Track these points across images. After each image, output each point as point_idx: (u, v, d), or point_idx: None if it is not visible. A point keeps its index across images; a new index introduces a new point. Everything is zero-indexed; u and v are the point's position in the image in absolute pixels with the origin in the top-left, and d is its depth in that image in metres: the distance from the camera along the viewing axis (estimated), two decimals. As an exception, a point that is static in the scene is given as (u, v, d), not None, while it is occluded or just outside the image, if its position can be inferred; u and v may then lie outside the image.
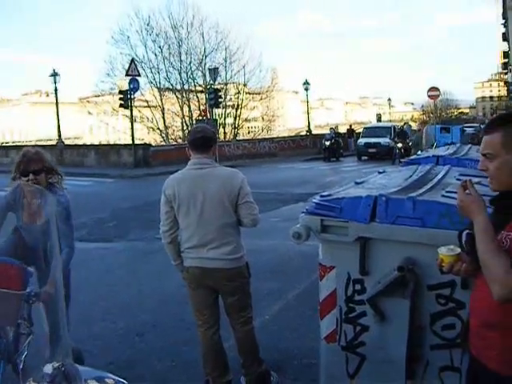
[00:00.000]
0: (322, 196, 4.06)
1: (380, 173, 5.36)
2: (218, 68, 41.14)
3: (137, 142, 35.01)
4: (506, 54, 37.76)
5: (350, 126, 50.12)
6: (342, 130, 48.21)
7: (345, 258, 3.90)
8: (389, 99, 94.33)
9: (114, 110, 45.60)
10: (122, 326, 6.92)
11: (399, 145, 31.59)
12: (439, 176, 4.75)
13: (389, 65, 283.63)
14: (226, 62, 49.40)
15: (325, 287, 4.05)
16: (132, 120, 33.55)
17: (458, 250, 2.68)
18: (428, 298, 3.71)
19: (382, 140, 35.54)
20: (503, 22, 36.43)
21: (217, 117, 40.76)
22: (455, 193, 3.85)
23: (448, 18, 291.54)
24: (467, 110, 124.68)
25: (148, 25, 47.99)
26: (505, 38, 35.76)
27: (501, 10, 36.17)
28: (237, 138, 47.89)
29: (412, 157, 7.66)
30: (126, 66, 35.38)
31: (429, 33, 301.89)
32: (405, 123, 44.17)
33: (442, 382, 3.77)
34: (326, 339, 4.12)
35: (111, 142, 50.78)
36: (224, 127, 48.81)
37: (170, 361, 5.90)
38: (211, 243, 4.73)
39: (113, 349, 6.23)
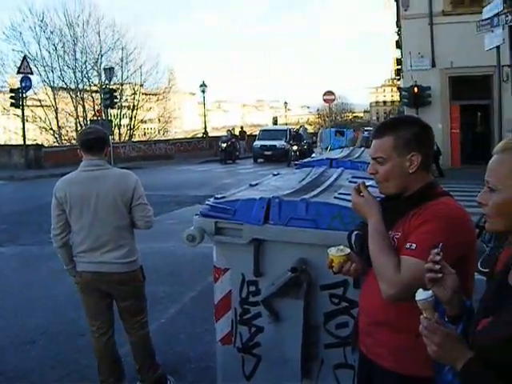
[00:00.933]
0: (216, 198, 4.05)
1: (274, 175, 5.41)
2: (113, 68, 40.45)
3: (28, 142, 33.87)
4: (398, 61, 39.03)
5: (242, 128, 50.19)
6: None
7: (239, 260, 3.91)
8: (285, 102, 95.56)
9: (4, 109, 43.98)
10: (12, 334, 6.66)
11: (294, 147, 32.13)
12: (332, 178, 4.84)
13: (286, 68, 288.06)
14: (122, 61, 48.77)
15: (219, 289, 4.04)
16: (23, 120, 32.39)
17: (348, 250, 2.73)
18: (321, 297, 3.77)
19: (277, 143, 35.99)
20: (397, 30, 37.62)
21: (112, 117, 40.05)
22: (347, 194, 3.96)
23: (348, 22, 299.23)
24: (361, 114, 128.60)
25: (42, 21, 46.54)
26: (398, 45, 36.97)
27: (395, 19, 37.37)
28: (132, 139, 47.34)
29: (306, 159, 7.76)
30: (18, 64, 34.15)
31: (327, 37, 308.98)
32: (300, 126, 45.09)
33: (336, 380, 3.83)
34: (222, 341, 4.11)
35: (1, 143, 48.96)
36: (119, 128, 48.11)
37: (63, 369, 5.71)
38: (104, 247, 4.64)
39: (2, 358, 5.98)
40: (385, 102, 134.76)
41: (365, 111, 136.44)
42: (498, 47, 17.00)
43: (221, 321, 4.09)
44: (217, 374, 4.28)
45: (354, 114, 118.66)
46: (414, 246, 2.40)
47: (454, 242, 2.38)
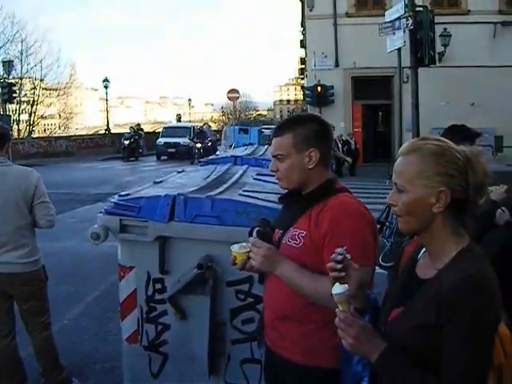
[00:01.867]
0: (120, 195, 4.02)
1: (179, 172, 5.41)
2: (12, 61, 38.96)
3: None
4: (303, 61, 39.69)
5: (138, 124, 49.05)
6: (144, 128, 47.57)
7: (144, 258, 3.89)
8: (189, 100, 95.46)
9: None
10: None
11: (198, 145, 32.06)
12: (237, 175, 4.89)
13: (190, 65, 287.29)
14: (22, 55, 47.04)
15: (125, 288, 4.01)
16: None
17: None
18: (227, 294, 3.80)
19: (181, 140, 35.66)
20: (301, 29, 38.14)
21: (10, 113, 38.74)
22: (252, 192, 4.02)
23: (255, 21, 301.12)
24: (265, 112, 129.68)
25: None
26: (302, 45, 37.53)
27: (300, 19, 37.87)
28: (32, 135, 45.95)
29: (210, 157, 7.80)
30: None
31: (233, 35, 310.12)
32: (204, 124, 44.92)
33: (244, 375, 3.87)
34: (128, 340, 4.08)
35: None
36: (18, 124, 46.57)
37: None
38: (4, 246, 4.49)
39: None
40: (288, 101, 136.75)
41: (269, 109, 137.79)
42: (399, 49, 17.60)
43: (126, 319, 4.05)
44: (123, 373, 4.24)
45: (258, 112, 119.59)
46: None
47: (365, 241, 2.49)
